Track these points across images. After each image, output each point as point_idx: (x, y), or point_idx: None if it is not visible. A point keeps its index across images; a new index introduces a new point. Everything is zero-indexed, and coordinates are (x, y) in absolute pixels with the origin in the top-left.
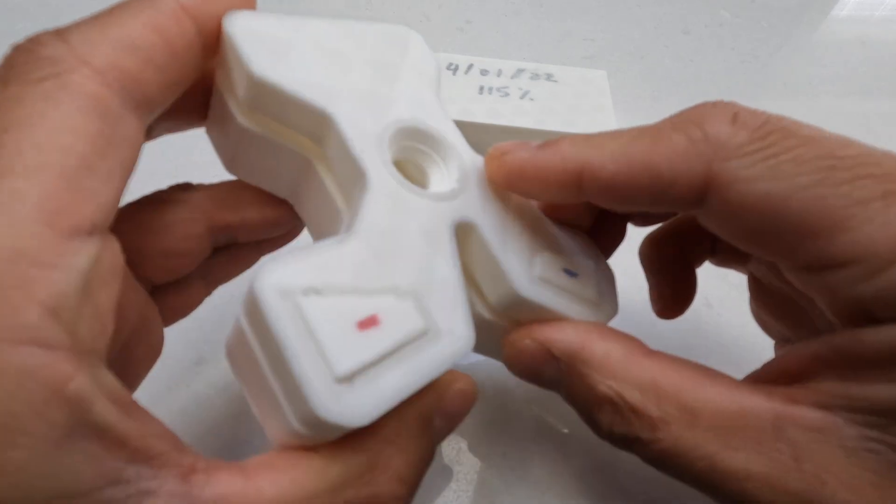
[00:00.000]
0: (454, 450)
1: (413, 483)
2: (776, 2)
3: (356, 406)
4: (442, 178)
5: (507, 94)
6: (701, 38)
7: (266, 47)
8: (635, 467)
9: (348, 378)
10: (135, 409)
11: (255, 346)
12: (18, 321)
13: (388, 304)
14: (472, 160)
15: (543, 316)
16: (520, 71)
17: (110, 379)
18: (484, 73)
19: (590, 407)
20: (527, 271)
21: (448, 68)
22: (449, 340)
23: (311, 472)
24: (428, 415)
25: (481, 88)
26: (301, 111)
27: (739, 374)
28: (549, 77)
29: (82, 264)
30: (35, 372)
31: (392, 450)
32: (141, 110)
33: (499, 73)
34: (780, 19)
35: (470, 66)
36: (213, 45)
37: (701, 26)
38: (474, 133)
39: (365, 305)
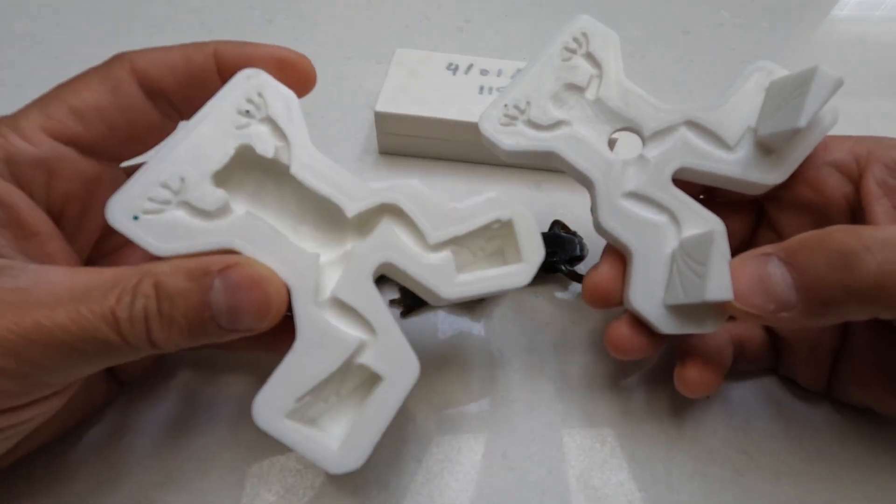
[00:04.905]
0: (454, 450)
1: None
2: (776, 2)
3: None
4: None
5: None
6: (701, 38)
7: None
8: (634, 467)
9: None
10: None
11: None
12: None
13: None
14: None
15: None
16: (520, 71)
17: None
18: (484, 73)
19: None
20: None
21: (448, 68)
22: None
23: (91, 273)
24: (204, 269)
25: (481, 88)
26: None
27: None
28: None
29: None
30: None
31: (158, 270)
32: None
33: (499, 73)
34: (780, 19)
35: (470, 66)
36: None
37: (701, 26)
38: (474, 133)
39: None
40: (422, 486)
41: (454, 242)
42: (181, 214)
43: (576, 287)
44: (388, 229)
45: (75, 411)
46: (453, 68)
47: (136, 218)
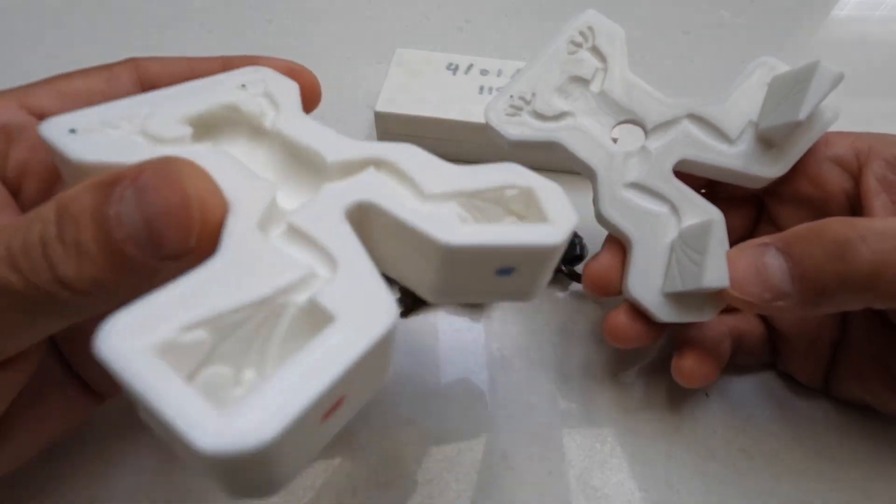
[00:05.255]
0: (454, 450)
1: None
2: (776, 2)
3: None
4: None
5: None
6: (701, 38)
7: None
8: (635, 466)
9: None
10: None
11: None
12: None
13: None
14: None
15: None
16: (520, 70)
17: None
18: (484, 73)
19: None
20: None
21: (448, 68)
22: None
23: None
24: (115, 177)
25: (481, 88)
26: None
27: None
28: None
29: None
30: None
31: (69, 191)
32: None
33: (499, 73)
34: (780, 19)
35: (470, 66)
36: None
37: (701, 26)
38: (474, 133)
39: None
40: (422, 486)
41: (458, 199)
42: (130, 138)
43: (575, 287)
44: (376, 175)
45: (48, 427)
46: (453, 68)
47: (72, 131)
